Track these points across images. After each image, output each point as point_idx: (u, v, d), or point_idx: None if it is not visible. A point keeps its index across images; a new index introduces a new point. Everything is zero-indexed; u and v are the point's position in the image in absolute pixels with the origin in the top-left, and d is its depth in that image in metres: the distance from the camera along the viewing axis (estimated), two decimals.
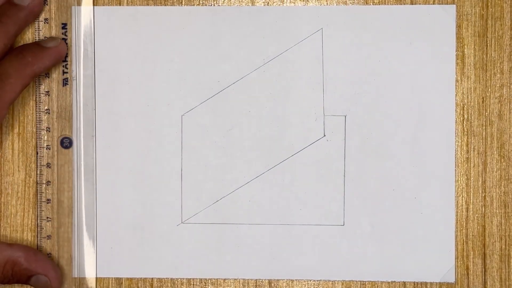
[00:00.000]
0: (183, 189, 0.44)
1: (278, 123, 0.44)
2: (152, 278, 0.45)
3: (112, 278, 0.44)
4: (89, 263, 0.44)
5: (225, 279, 0.45)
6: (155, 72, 0.44)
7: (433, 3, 0.44)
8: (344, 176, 0.44)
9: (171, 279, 0.45)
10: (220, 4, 0.44)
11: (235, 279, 0.44)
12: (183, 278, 0.45)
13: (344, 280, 0.44)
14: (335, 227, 0.44)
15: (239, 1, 0.44)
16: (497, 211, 0.44)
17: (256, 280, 0.44)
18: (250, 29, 0.44)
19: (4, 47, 0.41)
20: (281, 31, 0.44)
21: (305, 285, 0.44)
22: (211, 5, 0.44)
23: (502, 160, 0.44)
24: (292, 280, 0.44)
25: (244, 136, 0.44)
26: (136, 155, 0.44)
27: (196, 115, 0.44)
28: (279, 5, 0.44)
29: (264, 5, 0.44)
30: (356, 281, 0.44)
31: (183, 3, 0.44)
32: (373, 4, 0.44)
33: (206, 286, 0.45)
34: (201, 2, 0.44)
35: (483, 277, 0.44)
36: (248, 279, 0.44)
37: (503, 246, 0.44)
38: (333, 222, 0.44)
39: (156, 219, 0.44)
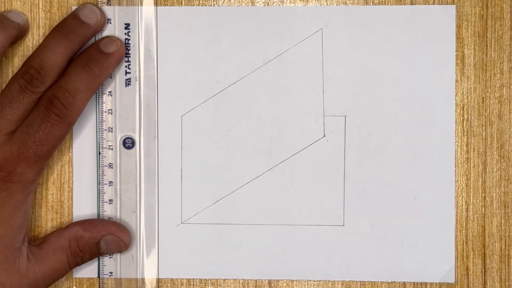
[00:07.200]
0: (183, 189, 0.44)
1: (278, 123, 0.44)
2: (153, 279, 0.44)
3: (111, 278, 0.44)
4: (150, 264, 0.44)
5: (225, 279, 0.45)
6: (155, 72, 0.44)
7: (433, 3, 0.44)
8: (344, 176, 0.44)
9: (171, 279, 0.45)
10: (220, 4, 0.44)
11: (235, 279, 0.44)
12: (183, 278, 0.45)
13: (344, 280, 0.44)
14: (335, 227, 0.44)
15: (239, 1, 0.44)
16: (497, 212, 0.44)
17: (256, 280, 0.44)
18: (250, 29, 0.44)
19: (67, 62, 0.42)
20: (281, 31, 0.44)
21: (305, 285, 0.44)
22: (211, 5, 0.44)
23: (502, 160, 0.44)
24: (292, 280, 0.44)
25: (244, 136, 0.44)
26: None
27: (196, 115, 0.44)
28: (279, 5, 0.44)
29: (264, 5, 0.44)
30: (356, 281, 0.44)
31: (183, 3, 0.44)
32: (373, 4, 0.44)
33: (206, 286, 0.45)
34: (201, 2, 0.44)
35: (483, 278, 0.44)
36: (248, 279, 0.44)
37: (503, 247, 0.44)
38: (333, 222, 0.44)
39: (156, 219, 0.44)
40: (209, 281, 0.45)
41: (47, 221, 0.45)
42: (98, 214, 0.44)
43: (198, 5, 0.44)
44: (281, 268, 0.44)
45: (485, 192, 0.44)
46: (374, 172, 0.44)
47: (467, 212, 0.44)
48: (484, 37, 0.44)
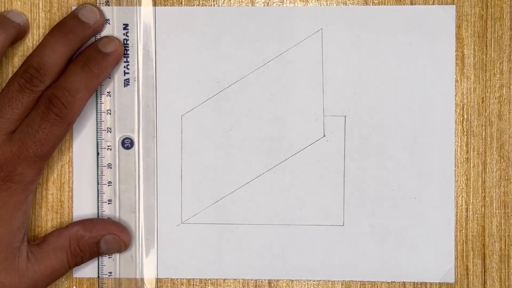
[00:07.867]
0: (183, 189, 0.44)
1: (278, 123, 0.44)
2: (152, 279, 0.44)
3: (111, 278, 0.44)
4: (149, 264, 0.44)
5: (225, 279, 0.45)
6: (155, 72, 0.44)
7: (433, 4, 0.44)
8: (344, 176, 0.44)
9: (171, 279, 0.45)
10: (220, 5, 0.44)
11: (235, 279, 0.44)
12: (183, 278, 0.45)
13: (344, 280, 0.44)
14: (335, 227, 0.44)
15: (239, 1, 0.44)
16: (497, 212, 0.44)
17: (256, 280, 0.44)
18: (250, 29, 0.44)
19: (66, 61, 0.42)
20: (281, 31, 0.44)
21: (305, 285, 0.44)
22: (211, 5, 0.44)
23: (502, 160, 0.44)
24: (292, 280, 0.44)
25: (244, 136, 0.44)
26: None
27: (196, 115, 0.44)
28: (279, 5, 0.44)
29: (264, 5, 0.44)
30: (356, 281, 0.44)
31: (183, 3, 0.44)
32: (373, 4, 0.44)
33: (206, 286, 0.45)
34: (201, 2, 0.44)
35: (483, 278, 0.44)
36: (248, 279, 0.44)
37: (503, 247, 0.44)
38: (333, 222, 0.44)
39: (156, 219, 0.44)
40: (209, 281, 0.45)
41: (47, 221, 0.45)
42: (98, 214, 0.44)
43: (198, 5, 0.44)
44: (281, 268, 0.44)
45: (485, 192, 0.44)
46: (374, 172, 0.44)
47: (467, 212, 0.44)
48: (484, 37, 0.44)
